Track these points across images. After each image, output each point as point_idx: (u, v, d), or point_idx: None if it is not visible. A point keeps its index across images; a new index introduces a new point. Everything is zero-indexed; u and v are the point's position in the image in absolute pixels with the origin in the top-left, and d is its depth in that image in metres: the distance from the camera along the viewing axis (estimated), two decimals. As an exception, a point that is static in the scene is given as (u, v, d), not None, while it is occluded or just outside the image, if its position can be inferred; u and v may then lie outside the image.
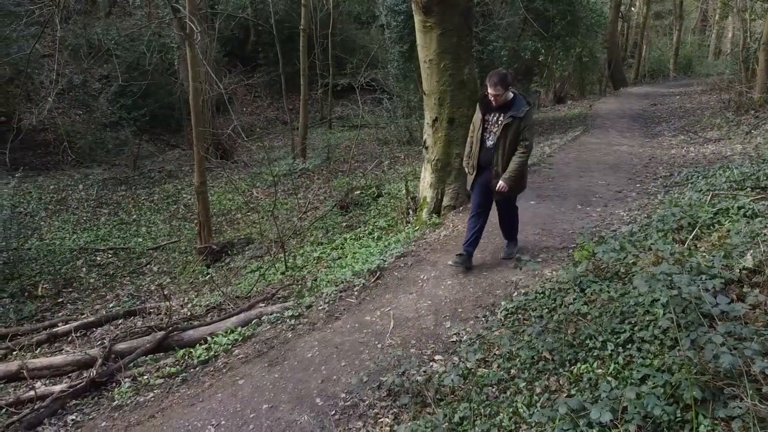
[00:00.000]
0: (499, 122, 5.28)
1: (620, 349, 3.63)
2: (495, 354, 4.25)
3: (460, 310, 5.18)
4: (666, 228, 5.28)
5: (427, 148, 8.24)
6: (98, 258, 10.78)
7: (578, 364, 3.69)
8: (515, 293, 5.28)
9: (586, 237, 5.67)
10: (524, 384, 3.72)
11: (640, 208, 7.33)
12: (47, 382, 5.81)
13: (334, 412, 3.98)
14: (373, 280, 6.26)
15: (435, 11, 7.58)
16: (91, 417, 4.99)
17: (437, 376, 4.12)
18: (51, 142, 16.32)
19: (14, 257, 9.90)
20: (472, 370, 4.09)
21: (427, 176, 8.30)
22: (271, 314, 6.06)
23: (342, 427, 3.82)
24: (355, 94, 17.15)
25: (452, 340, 4.70)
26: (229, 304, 7.30)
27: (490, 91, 5.14)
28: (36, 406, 5.17)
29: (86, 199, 13.50)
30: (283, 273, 8.15)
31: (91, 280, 9.93)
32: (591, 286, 4.50)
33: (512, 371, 3.93)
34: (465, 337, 4.68)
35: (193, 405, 4.50)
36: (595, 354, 3.72)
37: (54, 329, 7.52)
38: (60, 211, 12.80)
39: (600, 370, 3.54)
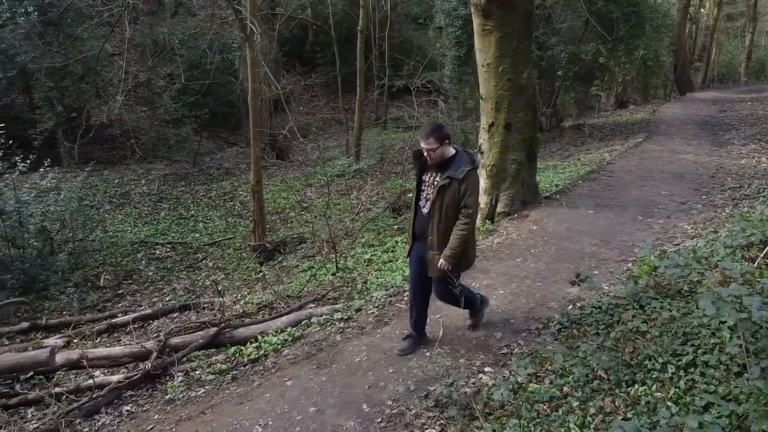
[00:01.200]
0: (435, 183, 4.22)
1: (682, 373, 3.46)
2: (547, 369, 4.12)
3: (512, 321, 5.07)
4: (734, 244, 5.01)
5: (482, 153, 8.12)
6: (157, 251, 11.12)
7: (636, 386, 3.54)
8: (570, 307, 5.12)
9: (647, 250, 5.44)
10: (577, 403, 3.59)
11: (705, 221, 7.01)
12: (105, 371, 6.02)
13: (380, 419, 3.95)
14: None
15: (495, 14, 7.46)
16: (144, 409, 5.14)
17: (486, 389, 4.03)
18: (117, 138, 16.98)
19: (79, 248, 10.32)
20: (523, 384, 3.98)
21: (481, 181, 8.17)
22: (320, 316, 6.09)
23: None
24: (411, 96, 17.12)
25: (503, 352, 4.61)
26: (280, 303, 7.39)
27: (422, 144, 4.21)
28: (94, 395, 5.36)
29: (148, 193, 13.96)
30: (333, 274, 8.19)
31: (150, 273, 10.25)
32: (651, 304, 4.31)
33: (565, 389, 3.80)
34: (516, 350, 4.57)
35: (242, 404, 4.57)
36: (654, 376, 3.55)
37: (113, 320, 7.80)
38: (123, 204, 13.28)
39: (659, 394, 3.38)
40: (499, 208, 8.07)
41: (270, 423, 4.12)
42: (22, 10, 13.34)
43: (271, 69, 15.29)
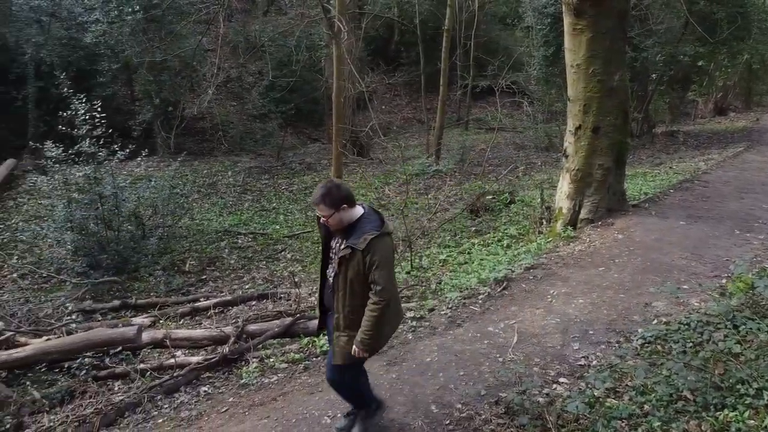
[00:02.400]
0: (339, 252, 3.46)
1: (779, 401, 3.20)
2: (627, 385, 3.93)
3: (590, 332, 4.86)
4: None
5: (567, 156, 7.86)
6: (239, 241, 11.51)
7: (725, 411, 3.31)
8: (655, 321, 4.86)
9: (744, 267, 5.07)
10: (659, 423, 3.39)
11: (813, 239, 6.46)
12: (186, 352, 6.29)
13: (448, 421, 3.90)
14: (499, 289, 6.09)
15: (587, 14, 7.19)
16: (220, 391, 5.33)
17: (561, 400, 3.89)
18: (208, 130, 17.76)
19: (169, 233, 10.85)
20: (600, 399, 3.81)
21: (564, 186, 7.92)
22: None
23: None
24: (495, 97, 16.84)
25: (580, 363, 4.43)
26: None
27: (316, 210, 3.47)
28: (175, 374, 5.63)
29: (233, 184, 14.49)
30: (408, 272, 8.17)
31: (232, 261, 10.62)
32: (747, 324, 4.02)
33: (646, 407, 3.61)
34: (594, 362, 4.38)
35: (313, 394, 4.64)
36: (747, 402, 3.31)
37: (196, 304, 8.15)
38: (210, 194, 13.86)
39: (752, 422, 3.14)
40: (583, 215, 7.78)
41: (338, 416, 4.15)
42: (130, 9, 14.20)
43: (356, 67, 15.46)
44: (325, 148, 18.07)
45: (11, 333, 6.67)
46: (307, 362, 5.40)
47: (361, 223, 3.37)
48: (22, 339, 6.59)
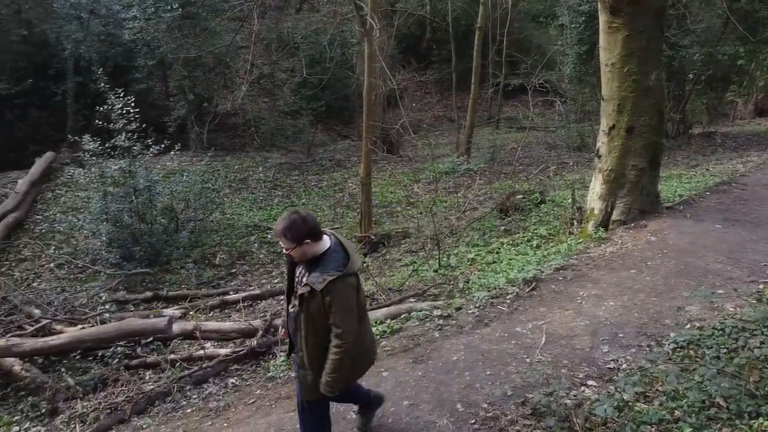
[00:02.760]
0: (299, 288, 3.23)
1: (818, 411, 3.11)
2: (657, 390, 3.85)
3: (621, 335, 4.78)
4: None
5: (599, 156, 7.74)
6: (269, 236, 11.63)
7: (760, 419, 3.22)
8: (688, 326, 4.75)
9: (783, 272, 4.94)
10: (690, 430, 3.32)
11: None
12: (215, 344, 6.39)
13: (474, 420, 3.88)
14: (527, 290, 6.03)
15: (624, 12, 7.06)
16: (248, 383, 5.41)
17: (588, 402, 3.84)
18: (240, 126, 17.97)
19: (200, 227, 11.03)
20: (629, 403, 3.75)
21: (597, 186, 7.80)
22: (420, 311, 6.09)
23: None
24: (527, 95, 16.67)
25: (609, 366, 4.36)
26: (381, 295, 7.47)
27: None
28: (204, 365, 5.73)
29: (264, 180, 14.64)
30: (436, 271, 8.15)
31: (261, 256, 10.74)
32: (785, 331, 3.90)
33: (677, 413, 3.54)
34: (624, 366, 4.31)
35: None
36: (783, 411, 3.22)
37: (225, 297, 8.27)
38: (241, 189, 14.03)
39: (788, 431, 3.06)
40: (615, 216, 7.65)
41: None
42: (167, 6, 14.45)
43: (387, 64, 15.47)
44: (354, 145, 18.12)
45: (48, 321, 6.88)
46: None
47: (326, 259, 3.16)
48: (58, 327, 6.78)
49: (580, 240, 7.60)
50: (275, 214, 12.82)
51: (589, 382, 4.17)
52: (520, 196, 11.01)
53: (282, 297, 8.33)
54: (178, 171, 11.62)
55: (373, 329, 5.81)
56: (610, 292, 5.69)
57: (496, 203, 11.26)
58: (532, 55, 20.05)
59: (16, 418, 5.61)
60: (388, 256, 10.02)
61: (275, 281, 9.48)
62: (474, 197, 12.39)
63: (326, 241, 3.23)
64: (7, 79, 14.25)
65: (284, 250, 3.23)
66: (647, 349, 4.52)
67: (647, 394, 3.84)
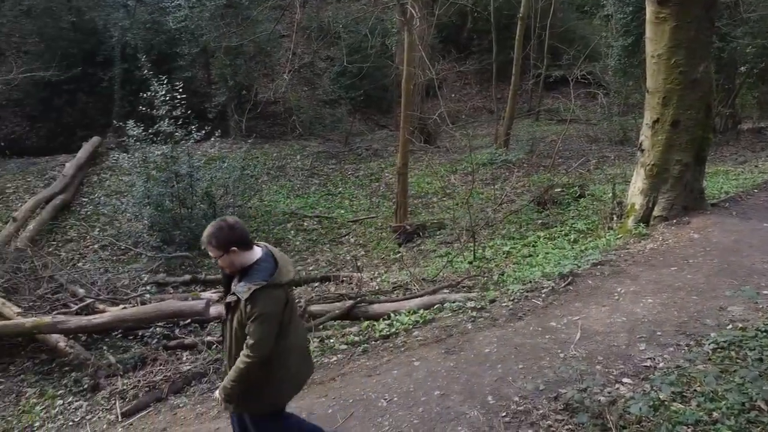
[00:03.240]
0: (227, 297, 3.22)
1: None
2: (695, 390, 3.76)
3: (659, 333, 4.68)
4: None
5: (642, 150, 7.55)
6: (305, 223, 11.76)
7: (803, 424, 3.12)
8: (729, 326, 4.62)
9: (834, 274, 4.75)
10: (728, 432, 3.24)
11: None
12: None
13: (504, 413, 3.86)
14: (563, 284, 5.95)
15: (672, 2, 6.85)
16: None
17: (623, 400, 3.77)
18: (279, 114, 18.16)
19: (238, 213, 11.21)
20: (665, 402, 3.67)
21: (638, 181, 7.62)
22: (453, 302, 6.08)
23: (511, 431, 3.69)
24: (568, 87, 16.37)
25: (645, 364, 4.27)
26: (414, 285, 7.49)
27: None
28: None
29: (301, 168, 14.78)
30: (470, 262, 8.12)
31: (297, 243, 10.88)
32: (833, 335, 3.76)
33: (715, 414, 3.45)
34: (661, 365, 4.22)
35: (370, 376, 4.71)
36: (827, 417, 3.11)
37: (262, 282, 8.39)
38: (279, 177, 14.19)
39: (833, 438, 2.95)
40: (656, 212, 7.47)
41: (395, 399, 4.20)
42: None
43: (427, 54, 15.39)
44: (392, 135, 18.11)
45: (91, 300, 7.11)
46: (366, 345, 5.47)
47: (254, 269, 3.06)
48: (101, 306, 7.01)
49: (620, 235, 7.45)
50: (312, 202, 12.95)
51: (624, 380, 4.09)
52: (559, 190, 10.86)
53: (316, 283, 8.44)
54: (218, 158, 11.83)
55: (406, 318, 5.86)
56: (649, 289, 5.57)
57: (533, 196, 11.13)
58: (575, 46, 19.64)
59: (60, 392, 5.84)
60: (422, 247, 10.02)
61: (310, 268, 9.60)
62: (511, 189, 12.26)
63: (257, 252, 3.14)
64: (58, 65, 14.71)
65: (212, 259, 3.16)
66: (686, 348, 4.41)
67: (684, 394, 3.75)
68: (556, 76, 19.28)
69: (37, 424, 5.44)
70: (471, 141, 15.48)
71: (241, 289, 2.98)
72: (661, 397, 3.70)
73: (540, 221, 9.87)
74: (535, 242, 8.43)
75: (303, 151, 15.96)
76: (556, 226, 9.21)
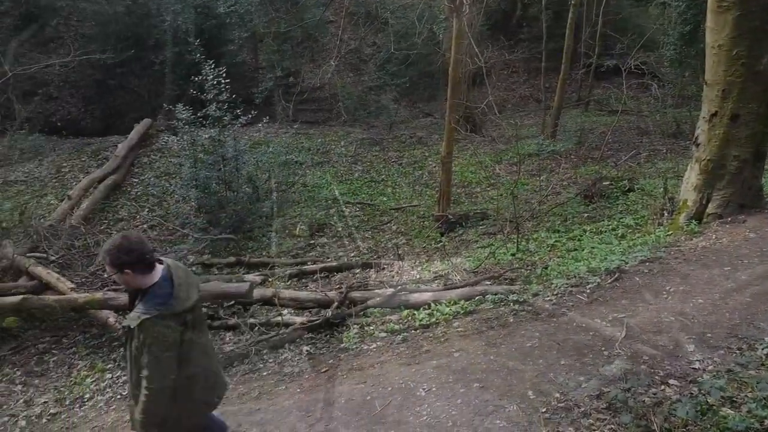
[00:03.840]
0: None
1: None
2: (747, 396, 3.62)
3: (709, 335, 4.52)
4: None
5: (698, 145, 7.28)
6: (347, 210, 11.81)
7: None
8: (787, 331, 4.43)
9: None
10: (781, 441, 3.11)
11: None
12: (291, 312, 6.60)
13: (545, 409, 3.80)
14: (609, 280, 5.81)
15: (737, -11, 6.54)
16: (321, 352, 5.56)
17: (669, 402, 3.67)
18: (325, 100, 18.24)
19: (282, 198, 11.36)
20: (714, 407, 3.55)
21: (692, 176, 7.35)
22: (495, 294, 6.02)
23: (551, 427, 3.63)
24: (620, 77, 15.88)
25: (693, 367, 4.14)
26: (455, 276, 7.44)
27: None
28: (281, 331, 5.93)
29: (345, 154, 14.81)
30: (513, 255, 8.01)
31: (339, 229, 10.93)
32: None
33: (767, 422, 3.31)
34: (710, 368, 4.08)
35: (409, 365, 4.71)
36: None
37: (303, 267, 8.50)
38: (323, 162, 14.27)
39: None
40: (710, 209, 7.19)
41: (434, 389, 4.19)
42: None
43: (475, 41, 15.16)
44: (437, 123, 17.96)
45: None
46: (405, 334, 5.48)
47: (149, 294, 2.81)
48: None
49: (670, 232, 7.22)
50: (354, 188, 12.97)
51: (671, 381, 3.98)
52: (607, 183, 10.59)
53: (357, 270, 8.49)
54: (264, 142, 11.98)
55: (447, 308, 5.82)
56: (699, 288, 5.38)
57: (580, 189, 10.89)
58: (629, 35, 19.00)
59: (108, 366, 6.06)
60: (465, 237, 9.93)
61: (352, 254, 9.64)
62: (558, 181, 12.03)
63: (155, 275, 2.86)
64: (112, 48, 15.10)
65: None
66: (737, 352, 4.25)
67: (735, 399, 3.62)
68: (607, 66, 18.69)
69: (87, 395, 5.66)
70: (518, 131, 15.23)
71: (133, 316, 2.75)
72: (709, 401, 3.58)
73: (586, 215, 9.65)
74: (581, 236, 8.25)
75: (347, 138, 16.00)
76: (603, 221, 8.99)
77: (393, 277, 7.82)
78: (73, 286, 6.91)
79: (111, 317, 6.36)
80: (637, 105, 18.55)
